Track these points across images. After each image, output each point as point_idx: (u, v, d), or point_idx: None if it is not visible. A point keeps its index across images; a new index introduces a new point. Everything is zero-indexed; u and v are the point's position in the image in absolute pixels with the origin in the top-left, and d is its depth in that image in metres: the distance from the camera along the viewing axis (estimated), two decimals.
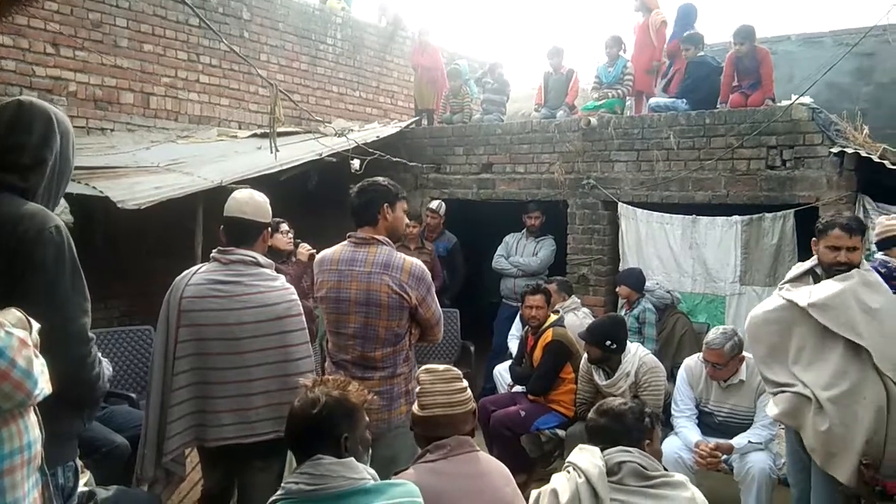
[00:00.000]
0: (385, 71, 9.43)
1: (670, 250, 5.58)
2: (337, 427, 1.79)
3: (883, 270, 3.36)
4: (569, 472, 2.10)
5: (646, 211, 5.73)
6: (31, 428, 1.29)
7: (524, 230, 6.12)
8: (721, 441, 3.55)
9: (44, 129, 1.72)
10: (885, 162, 4.63)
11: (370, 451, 1.95)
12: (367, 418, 1.91)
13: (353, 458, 1.79)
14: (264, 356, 2.57)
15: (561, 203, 6.23)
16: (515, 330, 5.22)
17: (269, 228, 2.83)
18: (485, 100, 7.39)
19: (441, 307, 5.88)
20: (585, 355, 4.09)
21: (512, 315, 5.75)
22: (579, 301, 5.16)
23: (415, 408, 2.30)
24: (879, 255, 3.76)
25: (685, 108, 5.82)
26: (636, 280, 5.05)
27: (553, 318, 4.37)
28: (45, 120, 1.73)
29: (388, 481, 1.83)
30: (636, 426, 2.20)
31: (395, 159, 6.30)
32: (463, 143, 6.83)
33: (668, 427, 3.79)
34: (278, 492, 1.75)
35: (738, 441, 3.52)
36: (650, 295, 5.08)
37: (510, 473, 2.30)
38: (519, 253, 6.04)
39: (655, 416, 2.33)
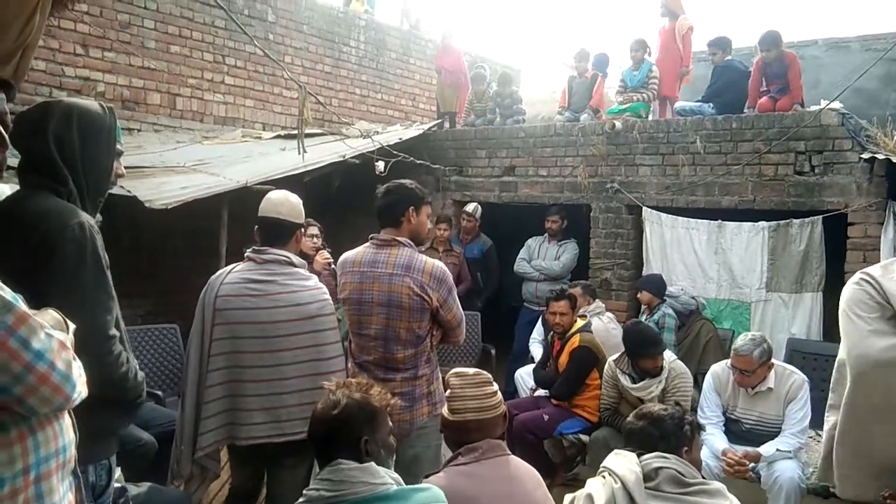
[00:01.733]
0: (407, 73, 9.47)
1: (695, 256, 5.54)
2: (357, 430, 1.77)
3: None
4: (604, 477, 2.09)
5: (671, 216, 5.69)
6: (66, 431, 1.27)
7: (546, 234, 6.09)
8: (749, 449, 3.51)
9: (58, 130, 1.71)
10: None
11: (394, 455, 1.93)
12: (390, 422, 1.89)
13: (373, 463, 1.76)
14: (297, 355, 2.59)
15: (584, 207, 6.20)
16: (537, 334, 5.21)
17: (303, 229, 2.85)
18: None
19: (473, 310, 5.98)
20: (610, 360, 4.07)
21: (533, 319, 5.74)
22: (603, 306, 5.12)
23: (445, 411, 2.29)
24: None
25: (711, 113, 5.77)
26: (657, 286, 5.02)
27: (580, 323, 4.35)
28: (60, 120, 1.72)
29: (410, 486, 1.80)
30: (675, 432, 2.17)
31: (417, 161, 6.32)
32: (485, 145, 6.82)
33: None
34: (300, 499, 1.73)
35: (767, 449, 3.47)
36: (674, 300, 5.04)
37: (541, 477, 2.29)
38: (541, 257, 6.02)
39: (696, 424, 2.29)
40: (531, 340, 5.32)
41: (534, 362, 4.84)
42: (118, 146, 1.90)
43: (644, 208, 5.82)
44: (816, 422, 4.19)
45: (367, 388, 1.88)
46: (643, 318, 4.97)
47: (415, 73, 9.57)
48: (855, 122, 5.10)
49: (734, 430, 3.70)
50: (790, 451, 3.47)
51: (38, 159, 1.69)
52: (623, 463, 2.08)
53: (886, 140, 5.06)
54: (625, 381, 3.93)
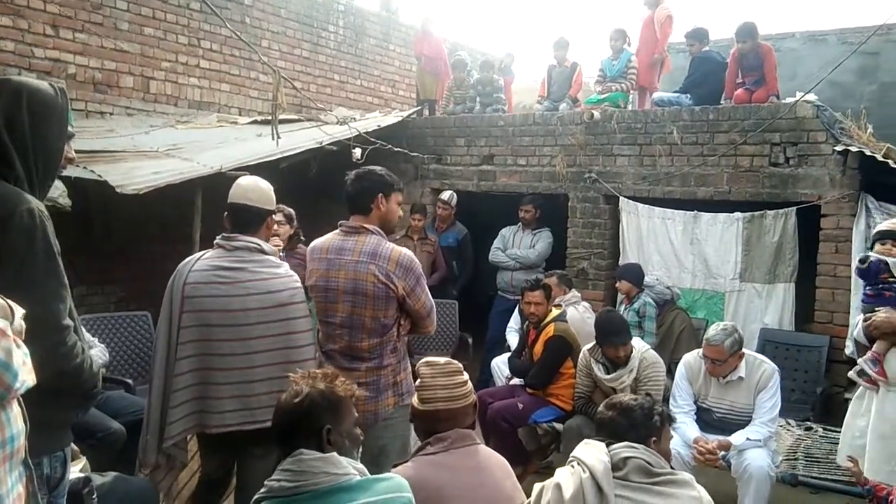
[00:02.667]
0: (387, 60, 9.37)
1: (671, 246, 5.57)
2: (319, 419, 1.74)
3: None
4: (573, 466, 2.08)
5: (647, 206, 5.72)
6: (14, 421, 1.23)
7: (519, 223, 6.10)
8: (720, 438, 3.54)
9: (7, 109, 1.62)
10: (889, 161, 4.61)
11: (360, 447, 1.90)
12: (355, 413, 1.87)
13: (335, 454, 1.73)
14: (268, 343, 2.55)
15: (562, 196, 6.21)
16: (514, 323, 5.21)
17: (274, 216, 2.80)
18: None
19: (449, 298, 5.96)
20: (585, 349, 4.08)
21: (508, 308, 5.76)
22: (579, 295, 5.14)
23: (415, 401, 2.28)
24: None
25: (689, 104, 5.79)
26: (636, 275, 5.04)
27: (555, 312, 4.35)
28: (9, 99, 1.63)
29: (373, 476, 1.78)
30: (644, 423, 2.16)
31: (395, 149, 6.26)
32: (464, 134, 6.79)
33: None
34: (261, 490, 1.71)
35: (737, 438, 3.50)
36: (650, 290, 5.06)
37: (510, 467, 2.29)
38: (516, 245, 6.03)
39: (667, 414, 2.29)
40: (508, 329, 5.33)
41: (510, 351, 4.84)
42: (69, 128, 1.82)
43: (621, 198, 5.84)
44: (786, 411, 4.27)
45: (331, 378, 1.86)
46: (622, 308, 4.99)
47: (394, 59, 9.48)
48: (829, 115, 5.15)
49: (706, 419, 3.73)
50: (760, 440, 3.49)
51: None
52: (592, 452, 2.08)
53: (860, 132, 5.12)
54: (598, 370, 3.95)
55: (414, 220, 6.06)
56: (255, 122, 6.81)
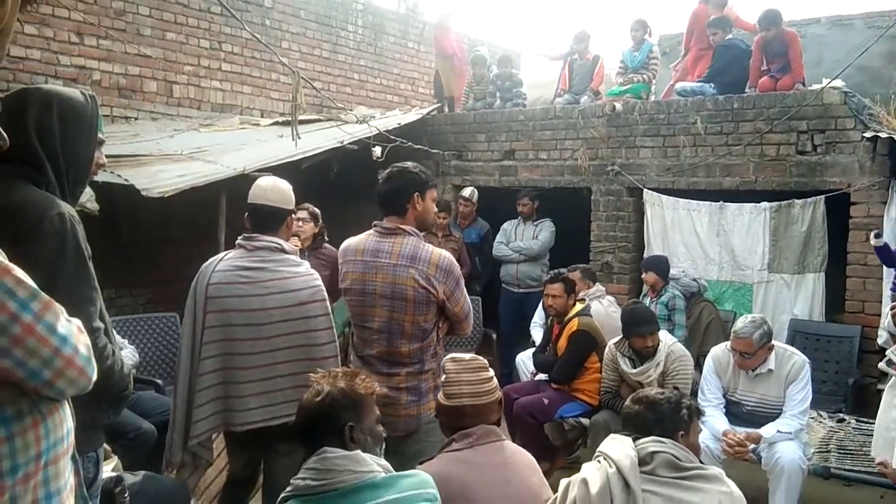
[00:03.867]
0: (406, 57, 9.39)
1: (697, 237, 5.50)
2: (341, 417, 1.75)
3: None
4: (599, 461, 2.06)
5: (672, 198, 5.65)
6: (68, 417, 1.30)
7: (519, 217, 6.12)
8: (750, 430, 3.49)
9: (38, 117, 1.65)
10: None
11: (383, 444, 1.89)
12: (377, 410, 1.88)
13: (359, 451, 1.74)
14: (289, 340, 2.57)
15: (584, 190, 6.16)
16: (538, 318, 5.18)
17: (294, 215, 2.82)
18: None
19: (473, 294, 5.97)
20: (611, 343, 4.05)
21: (512, 301, 5.88)
22: (603, 289, 5.09)
23: (440, 397, 2.28)
24: None
25: (713, 93, 5.70)
26: (663, 267, 4.97)
27: (579, 306, 4.32)
28: (41, 107, 1.66)
29: (398, 473, 1.78)
30: (672, 416, 2.14)
31: (416, 147, 6.27)
32: (485, 129, 6.77)
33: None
34: (287, 488, 1.72)
35: (767, 431, 3.45)
36: (675, 283, 5.00)
37: (536, 463, 2.28)
38: (518, 238, 6.05)
39: (695, 408, 2.25)
40: (532, 324, 5.30)
41: (535, 346, 4.82)
42: (99, 135, 1.86)
43: (645, 190, 5.77)
44: (817, 403, 4.19)
45: (352, 376, 1.87)
46: (647, 301, 4.94)
47: (413, 56, 9.49)
48: (857, 101, 5.03)
49: (735, 413, 3.68)
50: (791, 433, 3.44)
51: (16, 147, 1.65)
52: (618, 447, 2.06)
53: (890, 118, 5.00)
54: (624, 364, 3.91)
55: (439, 217, 6.06)
56: (276, 123, 6.86)
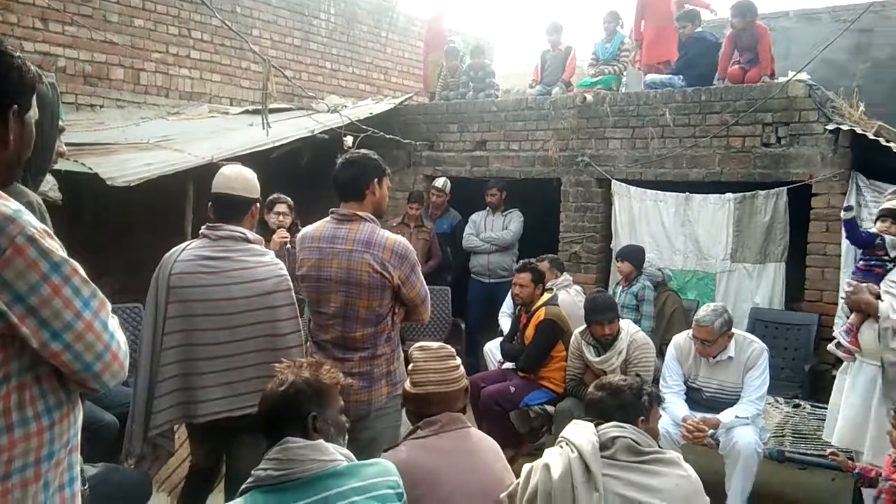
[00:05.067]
0: (378, 46, 9.34)
1: (663, 228, 5.59)
2: (305, 407, 1.76)
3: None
4: (561, 446, 2.11)
5: (639, 188, 5.72)
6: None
7: (487, 208, 6.15)
8: (708, 416, 3.58)
9: None
10: (880, 139, 4.60)
11: (346, 434, 1.90)
12: (341, 401, 1.88)
13: (322, 441, 1.74)
14: (252, 331, 2.56)
15: (555, 181, 6.21)
16: (507, 307, 5.24)
17: (258, 204, 2.81)
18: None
19: (443, 284, 6.01)
20: (576, 332, 4.11)
21: (482, 290, 5.96)
22: (571, 279, 5.16)
23: (407, 385, 2.31)
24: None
25: (682, 85, 5.77)
26: (639, 257, 4.98)
27: (546, 296, 4.37)
28: None
29: (361, 462, 1.79)
30: (633, 403, 2.19)
31: (388, 136, 6.26)
32: (457, 120, 6.79)
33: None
34: (248, 479, 1.72)
35: (725, 416, 3.54)
36: (643, 272, 5.07)
37: (500, 449, 2.32)
38: (488, 229, 6.10)
39: (655, 395, 2.31)
40: (501, 314, 5.36)
41: (503, 335, 4.88)
42: (60, 122, 1.85)
43: (613, 181, 5.84)
44: (775, 389, 4.30)
45: (316, 366, 1.88)
46: (618, 290, 5.00)
47: (386, 46, 9.44)
48: (821, 94, 5.13)
49: (695, 399, 3.77)
50: (748, 418, 3.53)
51: None
52: (580, 432, 2.11)
53: (852, 111, 5.11)
54: (588, 353, 3.98)
55: (411, 208, 6.09)
56: (246, 111, 6.80)
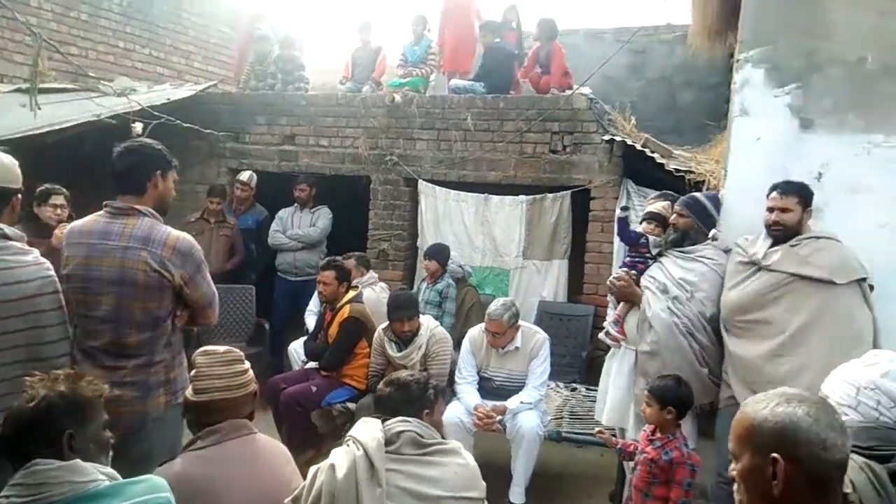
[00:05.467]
0: (180, 28, 8.73)
1: (464, 227, 5.89)
2: (59, 424, 1.61)
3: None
4: (348, 445, 2.14)
5: (444, 189, 5.97)
6: None
7: (294, 204, 6.10)
8: (497, 403, 3.85)
9: None
10: (646, 150, 5.24)
11: (110, 451, 1.77)
12: (104, 415, 1.75)
13: (79, 460, 1.60)
14: (12, 339, 2.29)
15: (364, 179, 6.27)
16: (314, 305, 5.20)
17: (20, 195, 2.51)
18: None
19: (247, 283, 5.76)
20: (380, 328, 4.20)
21: (289, 289, 5.87)
22: (376, 276, 5.25)
23: (188, 392, 2.21)
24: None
25: (482, 92, 6.11)
26: (445, 256, 5.16)
27: (351, 293, 4.41)
28: None
29: (125, 481, 1.66)
30: (420, 397, 2.27)
31: (186, 125, 5.90)
32: (265, 111, 6.58)
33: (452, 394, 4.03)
34: None
35: (512, 402, 3.84)
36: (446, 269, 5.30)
37: (289, 453, 2.30)
38: (295, 225, 6.03)
39: (440, 388, 2.42)
40: (307, 312, 5.30)
41: (308, 334, 4.84)
42: None
43: (420, 181, 6.03)
44: (557, 374, 4.73)
45: (74, 378, 1.72)
46: (423, 287, 5.17)
47: (189, 28, 8.86)
48: (600, 107, 5.72)
49: (486, 388, 4.04)
50: (532, 403, 3.86)
51: None
52: (367, 430, 2.15)
53: (625, 124, 5.75)
54: (390, 348, 4.09)
55: (212, 203, 5.80)
56: (18, 90, 6.02)
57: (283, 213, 6.10)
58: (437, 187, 5.98)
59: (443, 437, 2.29)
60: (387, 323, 4.17)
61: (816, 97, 3.38)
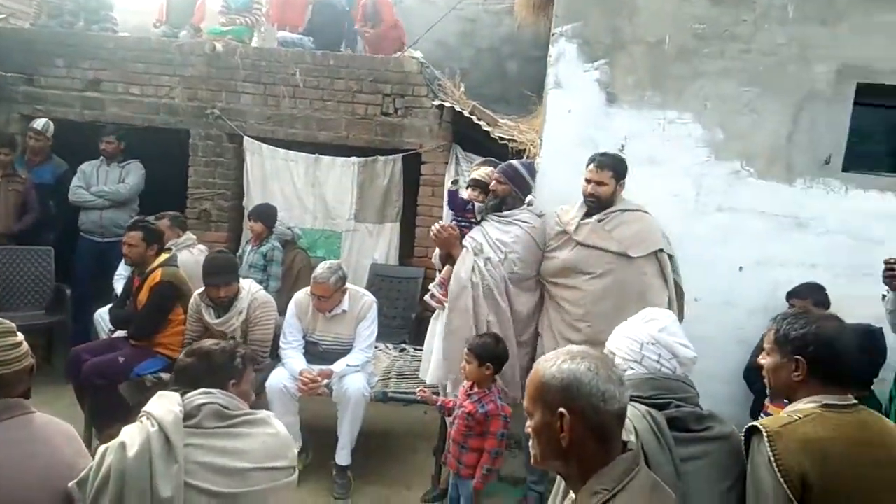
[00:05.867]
0: None
1: (294, 187, 5.70)
2: None
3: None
4: (142, 421, 2.00)
5: (271, 147, 5.72)
6: None
7: (101, 157, 5.56)
8: (323, 368, 3.81)
9: None
10: (474, 117, 5.37)
11: None
12: None
13: None
14: None
15: (182, 132, 5.82)
16: (123, 269, 4.77)
17: None
18: None
19: (45, 244, 5.13)
20: (196, 293, 3.96)
21: (94, 251, 5.36)
22: (194, 238, 4.93)
23: None
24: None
25: (311, 47, 5.88)
26: (271, 217, 4.96)
27: (164, 256, 4.09)
28: None
29: None
30: (225, 366, 2.17)
31: None
32: (64, 52, 5.86)
33: (277, 360, 3.93)
34: None
35: (338, 366, 3.82)
36: (273, 231, 5.10)
37: (74, 432, 2.10)
38: (101, 181, 5.48)
39: (249, 356, 2.32)
40: (116, 276, 4.86)
41: (116, 300, 4.44)
42: None
43: (245, 138, 5.73)
44: (387, 336, 4.79)
45: None
46: (248, 249, 4.94)
47: None
48: (430, 72, 5.75)
49: (313, 352, 3.97)
50: (359, 366, 3.87)
51: None
52: (163, 404, 2.02)
53: (455, 90, 5.84)
54: (207, 315, 3.88)
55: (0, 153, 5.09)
56: None
57: (87, 166, 5.49)
58: (265, 145, 5.71)
59: (256, 407, 2.22)
60: (203, 288, 3.94)
61: (621, 74, 3.65)
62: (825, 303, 3.42)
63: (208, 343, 2.29)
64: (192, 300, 3.97)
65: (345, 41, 6.25)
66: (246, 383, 2.28)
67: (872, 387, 2.97)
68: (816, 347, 1.81)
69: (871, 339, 2.94)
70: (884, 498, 1.69)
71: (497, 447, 3.02)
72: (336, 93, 5.65)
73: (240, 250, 5.10)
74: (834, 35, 3.53)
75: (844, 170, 3.61)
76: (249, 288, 3.96)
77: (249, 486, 1.98)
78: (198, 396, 2.06)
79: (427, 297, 3.84)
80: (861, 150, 3.71)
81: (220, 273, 3.76)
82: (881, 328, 2.99)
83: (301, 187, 5.69)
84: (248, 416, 2.12)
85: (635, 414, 1.81)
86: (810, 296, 3.44)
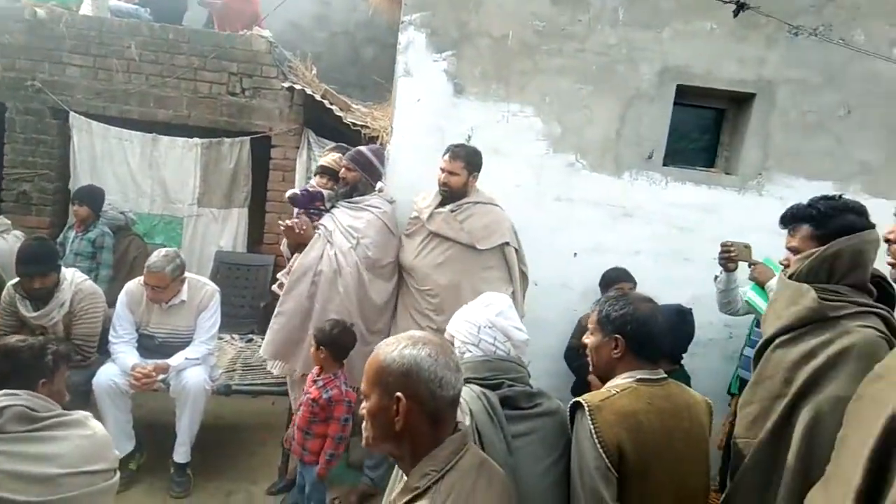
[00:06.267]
0: None
1: (128, 168, 5.30)
2: None
3: None
4: None
5: (102, 125, 5.27)
6: None
7: None
8: (159, 362, 3.58)
9: None
10: (326, 101, 5.27)
11: None
12: None
13: None
14: None
15: None
16: None
17: None
18: None
19: None
20: (9, 284, 3.56)
21: None
22: (9, 223, 4.43)
23: None
24: None
25: (149, 19, 5.47)
26: (97, 201, 4.57)
27: None
28: None
29: None
30: (33, 364, 2.01)
31: None
32: None
33: (107, 355, 3.65)
34: None
35: (176, 360, 3.60)
36: (102, 216, 4.71)
37: None
38: None
39: (62, 354, 2.15)
40: None
41: None
42: None
43: (72, 114, 5.23)
44: (233, 327, 4.60)
45: None
46: (72, 235, 4.52)
47: None
48: (280, 52, 5.56)
49: (148, 346, 3.72)
50: (198, 358, 3.67)
51: None
52: None
53: (306, 73, 5.69)
54: (24, 308, 3.50)
55: None
56: None
57: None
58: (94, 122, 5.25)
59: (85, 407, 2.07)
60: (18, 279, 3.55)
61: (468, 65, 3.74)
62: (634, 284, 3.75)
63: (13, 339, 2.10)
64: (4, 292, 3.57)
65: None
66: (59, 382, 2.12)
67: (683, 362, 3.29)
68: (633, 327, 1.97)
69: (681, 318, 3.24)
70: (684, 459, 1.89)
71: (340, 433, 3.01)
72: (176, 69, 5.31)
73: (60, 237, 4.65)
74: (658, 39, 3.83)
75: (665, 164, 3.95)
76: (73, 278, 3.62)
77: (63, 492, 1.84)
78: (2, 398, 1.88)
79: (275, 287, 3.73)
80: (679, 146, 4.08)
81: (36, 262, 3.40)
82: (691, 309, 3.32)
83: (137, 169, 5.30)
84: (59, 417, 1.97)
85: (471, 395, 1.88)
86: (626, 279, 3.74)
